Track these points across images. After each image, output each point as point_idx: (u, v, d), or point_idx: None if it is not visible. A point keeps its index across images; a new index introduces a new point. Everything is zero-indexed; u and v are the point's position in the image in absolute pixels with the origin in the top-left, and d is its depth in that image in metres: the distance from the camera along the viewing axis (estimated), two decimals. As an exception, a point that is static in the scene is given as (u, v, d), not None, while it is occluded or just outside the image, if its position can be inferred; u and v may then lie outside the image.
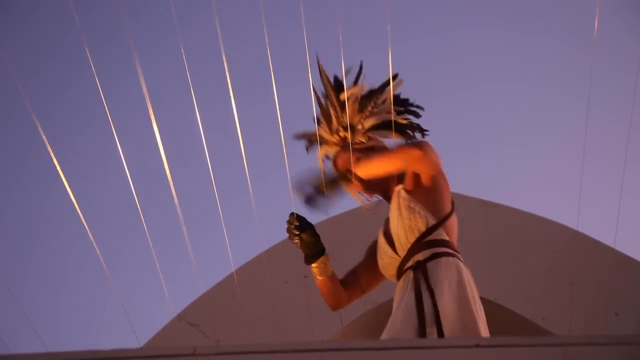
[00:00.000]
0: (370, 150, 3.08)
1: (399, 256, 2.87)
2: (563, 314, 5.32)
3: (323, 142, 3.22)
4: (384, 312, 5.77)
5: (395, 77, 3.14)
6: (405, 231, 2.83)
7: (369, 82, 3.19)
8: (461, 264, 2.77)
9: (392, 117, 3.09)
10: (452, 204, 2.93)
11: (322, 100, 3.21)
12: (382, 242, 2.98)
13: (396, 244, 2.88)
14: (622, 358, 1.88)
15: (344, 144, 3.14)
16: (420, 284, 2.65)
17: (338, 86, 3.17)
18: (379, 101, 3.11)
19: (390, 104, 3.11)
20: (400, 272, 2.85)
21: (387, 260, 2.93)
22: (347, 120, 3.11)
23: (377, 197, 3.14)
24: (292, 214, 2.94)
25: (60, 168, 2.72)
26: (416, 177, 2.90)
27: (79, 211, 2.88)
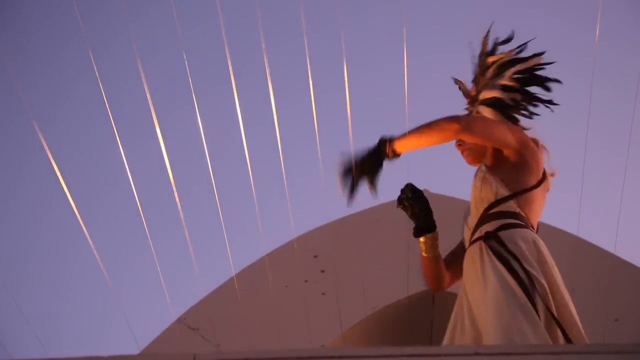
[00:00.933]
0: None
1: (471, 227, 2.88)
2: (563, 319, 5.31)
3: (465, 95, 3.23)
4: (383, 317, 5.78)
5: (540, 53, 3.12)
6: (476, 201, 2.86)
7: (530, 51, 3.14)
8: (538, 237, 2.77)
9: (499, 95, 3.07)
10: (540, 182, 2.92)
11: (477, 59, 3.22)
12: (467, 210, 2.98)
13: (472, 214, 2.90)
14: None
15: (470, 106, 3.18)
16: (498, 251, 2.64)
17: (492, 49, 3.18)
18: (507, 72, 3.10)
19: (510, 78, 3.09)
20: (469, 243, 2.85)
21: (465, 230, 2.94)
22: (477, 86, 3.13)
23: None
24: (407, 184, 2.92)
25: (61, 173, 2.73)
26: (497, 152, 2.92)
27: (78, 216, 2.88)
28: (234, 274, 5.72)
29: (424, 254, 2.96)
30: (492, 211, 2.80)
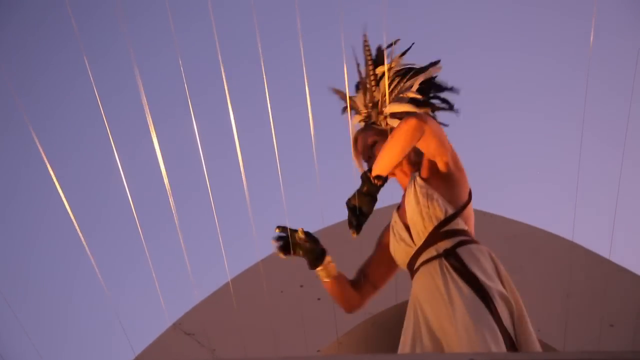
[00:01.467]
0: (384, 136, 3.02)
1: (415, 244, 2.85)
2: (558, 325, 5.32)
3: (356, 110, 3.17)
4: (379, 322, 5.78)
5: (436, 62, 3.10)
6: (422, 219, 2.80)
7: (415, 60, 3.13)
8: (490, 250, 2.77)
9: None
10: (470, 193, 2.90)
11: (362, 70, 3.16)
12: (399, 227, 2.92)
13: (412, 231, 2.84)
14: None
15: (366, 124, 3.11)
16: (460, 270, 2.64)
17: (379, 58, 3.12)
18: (408, 84, 3.06)
19: (412, 90, 3.05)
20: (414, 261, 2.82)
21: (402, 247, 2.89)
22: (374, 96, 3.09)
23: (392, 178, 3.09)
24: (279, 227, 2.93)
25: (57, 177, 2.72)
26: (431, 164, 2.87)
27: (74, 220, 2.88)
28: (229, 279, 5.71)
29: (325, 279, 2.99)
30: (443, 229, 2.79)
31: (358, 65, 3.17)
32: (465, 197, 2.86)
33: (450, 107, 3.11)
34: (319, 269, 2.97)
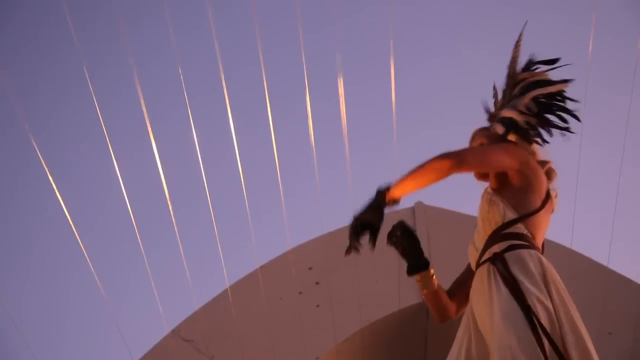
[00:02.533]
0: (492, 138, 3.11)
1: (478, 248, 2.90)
2: (557, 333, 5.31)
3: (487, 110, 3.24)
4: (378, 329, 5.78)
5: (567, 80, 3.11)
6: (484, 224, 2.88)
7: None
8: (543, 257, 2.79)
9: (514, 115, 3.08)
10: (544, 203, 2.96)
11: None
12: (475, 232, 3.02)
13: (478, 236, 2.93)
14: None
15: (490, 123, 3.20)
16: (503, 273, 2.67)
17: (526, 67, 3.17)
18: (529, 94, 3.09)
19: (530, 101, 3.09)
20: (477, 264, 2.87)
21: (472, 251, 2.96)
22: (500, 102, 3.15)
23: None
24: (398, 222, 2.93)
25: (56, 184, 2.73)
26: (500, 175, 2.96)
27: (74, 228, 2.89)
28: (227, 286, 5.71)
29: (421, 291, 3.00)
30: (500, 233, 2.83)
31: (512, 69, 3.22)
32: (535, 205, 2.90)
33: (564, 127, 3.13)
34: (417, 277, 2.98)
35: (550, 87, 3.14)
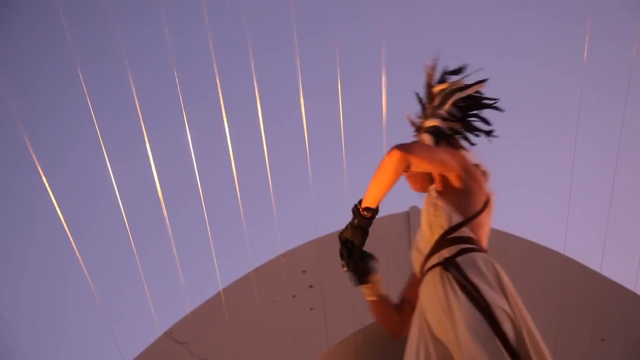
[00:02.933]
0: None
1: (424, 253, 2.90)
2: (550, 338, 5.32)
3: (412, 123, 3.28)
4: (371, 333, 5.78)
5: (482, 81, 3.18)
6: (430, 228, 2.89)
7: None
8: (494, 260, 2.80)
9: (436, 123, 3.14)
10: (485, 204, 2.97)
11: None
12: (418, 236, 3.02)
13: (423, 240, 2.93)
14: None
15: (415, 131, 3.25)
16: (458, 279, 2.67)
17: (441, 78, 3.22)
18: (449, 101, 3.14)
19: (451, 107, 3.15)
20: (422, 269, 2.87)
21: (416, 255, 2.96)
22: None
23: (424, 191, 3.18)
24: (340, 239, 2.95)
25: (49, 185, 2.73)
26: (443, 177, 2.99)
27: (66, 229, 2.88)
28: (221, 289, 5.71)
29: (368, 298, 3.01)
30: (448, 237, 2.83)
31: (428, 83, 3.28)
32: (477, 207, 2.92)
33: (487, 129, 3.18)
34: (364, 286, 2.99)
35: (467, 90, 3.20)
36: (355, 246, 2.85)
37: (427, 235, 2.90)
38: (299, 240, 6.17)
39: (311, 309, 5.73)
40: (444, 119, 3.17)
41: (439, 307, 2.69)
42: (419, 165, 2.87)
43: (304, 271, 6.03)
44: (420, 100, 3.28)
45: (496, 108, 3.20)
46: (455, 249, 2.78)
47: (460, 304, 2.61)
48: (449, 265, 2.73)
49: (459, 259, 2.74)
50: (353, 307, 5.54)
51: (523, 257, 6.00)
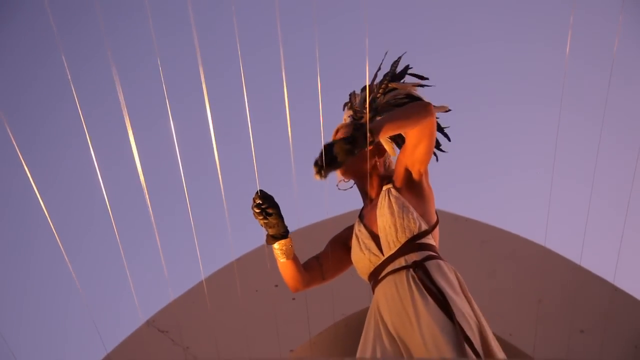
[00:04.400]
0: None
1: (383, 254, 2.88)
2: (530, 330, 5.37)
3: (353, 106, 3.22)
4: (353, 323, 5.80)
5: (425, 78, 3.17)
6: (396, 230, 2.84)
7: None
8: (457, 271, 2.83)
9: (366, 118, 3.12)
10: (437, 214, 2.97)
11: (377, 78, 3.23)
12: (364, 236, 2.95)
13: (382, 241, 2.88)
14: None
15: (353, 121, 3.17)
16: (426, 283, 2.68)
17: (399, 74, 3.20)
18: (382, 96, 3.12)
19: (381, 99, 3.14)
20: (379, 271, 2.85)
21: (366, 255, 2.91)
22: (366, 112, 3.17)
23: (351, 182, 3.12)
24: (258, 191, 2.86)
25: (29, 169, 2.72)
26: (406, 174, 2.93)
27: (47, 215, 2.87)
28: (203, 278, 5.71)
29: (280, 259, 3.00)
30: (416, 242, 2.84)
31: (377, 73, 3.24)
32: (434, 217, 2.95)
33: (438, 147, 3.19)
34: (276, 246, 2.97)
35: (413, 83, 3.19)
36: (335, 161, 2.57)
37: (389, 236, 2.86)
38: (275, 201, 6.17)
39: (293, 299, 5.74)
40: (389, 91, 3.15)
41: (401, 309, 2.71)
42: (429, 134, 2.82)
43: (286, 261, 6.03)
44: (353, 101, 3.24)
45: (446, 135, 3.18)
46: (424, 255, 2.80)
47: (428, 306, 2.64)
48: (417, 269, 2.75)
49: (427, 264, 2.76)
50: (333, 298, 5.56)
51: (504, 249, 6.04)
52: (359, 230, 2.99)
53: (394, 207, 2.87)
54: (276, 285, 5.89)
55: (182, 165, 2.98)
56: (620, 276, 6.31)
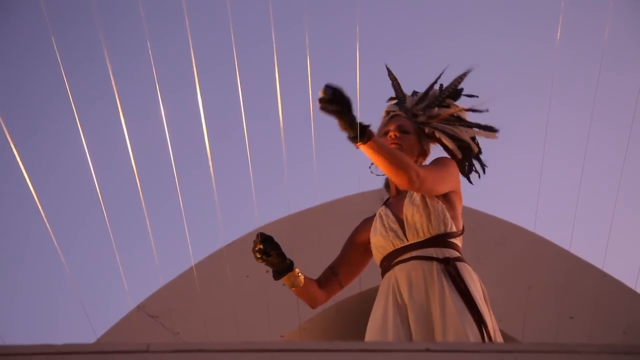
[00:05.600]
0: (417, 135, 3.12)
1: (407, 239, 2.90)
2: (519, 316, 5.39)
3: (402, 102, 3.21)
4: (343, 309, 5.81)
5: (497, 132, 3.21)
6: (429, 221, 2.87)
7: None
8: (481, 280, 2.90)
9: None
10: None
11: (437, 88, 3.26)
12: (390, 219, 2.95)
13: (408, 226, 2.90)
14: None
15: (407, 115, 3.17)
16: (457, 280, 2.72)
17: (456, 93, 3.22)
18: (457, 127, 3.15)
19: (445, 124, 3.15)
20: (400, 253, 2.87)
21: (391, 236, 2.92)
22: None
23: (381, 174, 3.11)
24: (258, 234, 2.97)
25: (20, 156, 2.71)
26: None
27: (37, 201, 2.87)
28: (193, 263, 5.72)
29: (291, 289, 3.06)
30: (448, 240, 2.87)
31: (436, 81, 3.24)
32: (461, 225, 2.99)
33: (480, 165, 3.22)
34: (284, 279, 3.03)
35: (483, 132, 3.22)
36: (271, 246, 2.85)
37: (420, 225, 2.88)
38: (272, 216, 6.18)
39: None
40: (455, 140, 3.16)
41: (423, 294, 2.75)
42: (431, 186, 2.88)
43: (277, 247, 6.03)
44: (416, 93, 3.24)
45: (483, 166, 3.23)
46: (455, 254, 2.84)
47: (456, 303, 2.69)
48: (449, 265, 2.78)
49: (459, 264, 2.80)
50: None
51: (494, 236, 6.05)
52: (386, 215, 3.00)
53: (428, 201, 2.91)
54: (267, 271, 5.89)
55: (172, 152, 2.98)
56: (609, 262, 6.35)
